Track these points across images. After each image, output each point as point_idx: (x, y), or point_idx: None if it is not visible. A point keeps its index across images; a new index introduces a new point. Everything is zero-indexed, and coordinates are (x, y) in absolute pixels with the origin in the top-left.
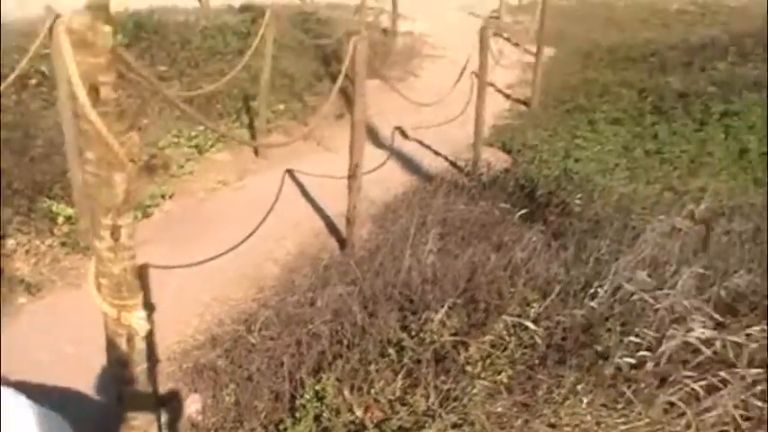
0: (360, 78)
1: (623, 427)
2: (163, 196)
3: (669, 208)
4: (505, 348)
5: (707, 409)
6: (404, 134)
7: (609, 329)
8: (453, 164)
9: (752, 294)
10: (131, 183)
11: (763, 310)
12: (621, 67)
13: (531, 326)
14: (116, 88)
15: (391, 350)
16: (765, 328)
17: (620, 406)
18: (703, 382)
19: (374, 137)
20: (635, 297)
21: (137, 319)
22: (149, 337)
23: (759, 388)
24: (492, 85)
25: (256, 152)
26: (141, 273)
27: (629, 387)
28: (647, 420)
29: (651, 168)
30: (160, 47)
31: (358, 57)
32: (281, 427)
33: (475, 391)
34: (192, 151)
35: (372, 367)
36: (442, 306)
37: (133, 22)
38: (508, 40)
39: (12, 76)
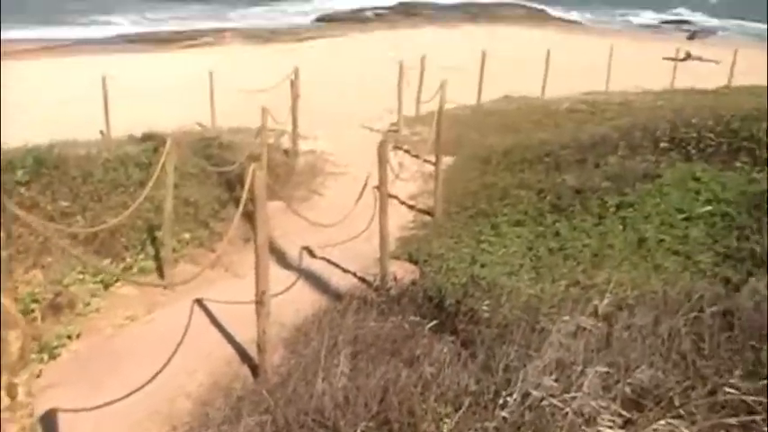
0: (260, 204)
1: None
2: (69, 336)
3: (576, 304)
4: None
5: None
6: (311, 253)
7: None
8: (362, 279)
9: (655, 388)
10: (26, 340)
11: (667, 403)
12: (519, 169)
13: None
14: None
15: None
16: (670, 421)
17: None
18: None
19: (281, 258)
20: (544, 402)
21: None
22: None
23: None
24: (395, 197)
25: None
26: (50, 418)
27: None
28: None
29: (556, 266)
30: (61, 182)
31: (257, 183)
32: None
33: None
34: (97, 287)
35: None
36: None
37: (33, 157)
38: (408, 152)
39: None
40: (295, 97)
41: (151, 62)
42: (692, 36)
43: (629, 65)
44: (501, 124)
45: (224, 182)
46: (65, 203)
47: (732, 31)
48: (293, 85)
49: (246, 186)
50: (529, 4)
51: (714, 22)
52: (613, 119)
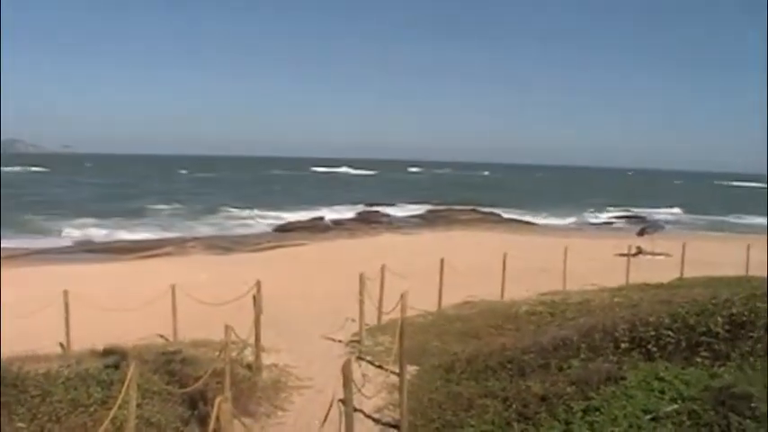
0: None
1: None
2: None
3: None
4: None
5: None
6: None
7: None
8: None
9: None
10: None
11: None
12: (483, 377)
13: None
14: None
15: None
16: None
17: None
18: None
19: None
20: None
21: None
22: None
23: None
24: (360, 411)
25: None
26: None
27: None
28: None
29: None
30: (19, 401)
31: (223, 417)
32: None
33: None
34: None
35: None
36: None
37: None
38: (371, 362)
39: None
40: (258, 312)
41: (111, 272)
42: (641, 232)
43: (584, 263)
44: (463, 330)
45: (187, 399)
46: (22, 425)
47: (681, 224)
48: (255, 299)
49: (213, 417)
50: (482, 208)
51: (662, 215)
52: (573, 318)
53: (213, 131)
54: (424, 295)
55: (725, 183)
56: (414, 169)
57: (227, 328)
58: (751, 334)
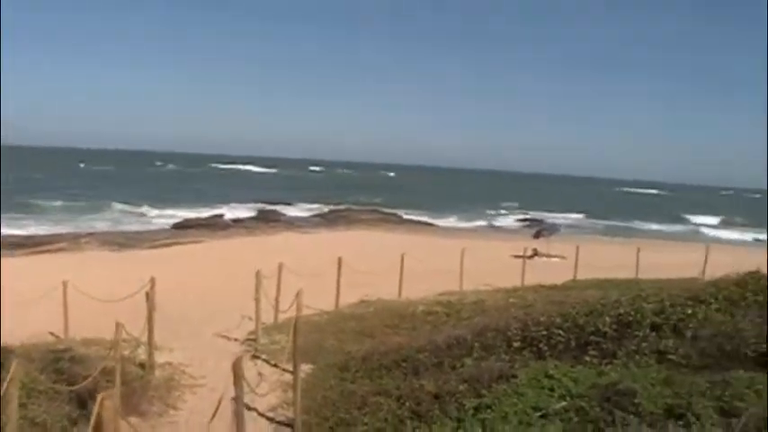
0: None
1: None
2: None
3: None
4: None
5: None
6: None
7: None
8: None
9: None
10: None
11: None
12: (377, 375)
13: None
14: None
15: None
16: None
17: None
18: None
19: None
20: None
21: None
22: None
23: None
24: (254, 409)
25: None
26: None
27: None
28: None
29: None
30: None
31: (105, 414)
32: None
33: None
34: None
35: None
36: None
37: None
38: (267, 361)
39: None
40: (150, 309)
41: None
42: (537, 234)
43: (482, 264)
44: (359, 330)
45: (75, 398)
46: None
47: (581, 228)
48: (149, 296)
49: (95, 413)
50: (384, 209)
51: (564, 220)
52: (468, 318)
53: (112, 124)
54: (322, 294)
55: (632, 190)
56: (315, 168)
57: (118, 326)
58: (637, 333)
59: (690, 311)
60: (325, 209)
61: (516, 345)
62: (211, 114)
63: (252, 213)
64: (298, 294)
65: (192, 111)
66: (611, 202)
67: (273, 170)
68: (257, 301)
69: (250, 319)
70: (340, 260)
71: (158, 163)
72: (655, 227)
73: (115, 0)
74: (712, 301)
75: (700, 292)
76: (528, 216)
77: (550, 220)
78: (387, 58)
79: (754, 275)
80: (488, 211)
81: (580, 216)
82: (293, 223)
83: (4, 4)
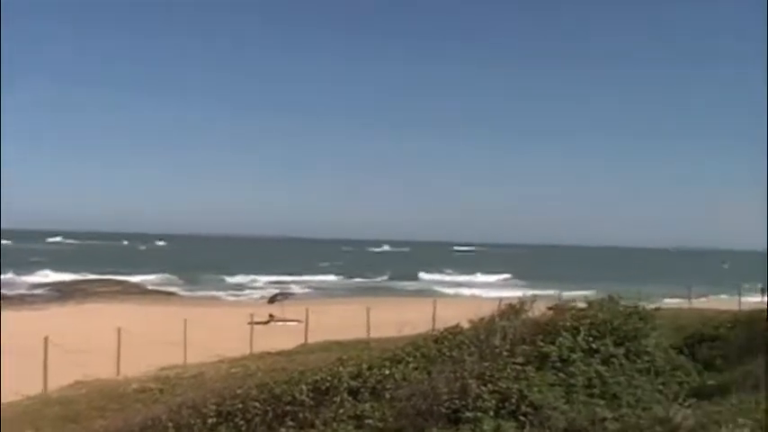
0: None
1: None
2: None
3: None
4: None
5: None
6: None
7: None
8: None
9: None
10: None
11: None
12: None
13: None
14: None
15: None
16: None
17: None
18: None
19: None
20: None
21: None
22: None
23: None
24: None
25: None
26: None
27: None
28: None
29: None
30: None
31: None
32: None
33: None
34: None
35: None
36: None
37: None
38: None
39: None
40: None
41: None
42: (272, 299)
43: (216, 333)
44: (62, 415)
45: None
46: None
47: (311, 292)
48: None
49: None
50: (126, 278)
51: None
52: (182, 394)
53: None
54: (36, 378)
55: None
56: (55, 239)
57: None
58: (335, 399)
59: (388, 372)
60: (70, 279)
61: (211, 421)
62: None
63: None
64: None
65: None
66: (368, 262)
67: (7, 242)
68: None
69: None
70: (46, 339)
71: None
72: (403, 284)
73: None
74: (410, 360)
75: (399, 351)
76: (277, 279)
77: (297, 284)
78: None
79: (452, 330)
80: (228, 280)
81: (333, 278)
82: (24, 298)
83: None
